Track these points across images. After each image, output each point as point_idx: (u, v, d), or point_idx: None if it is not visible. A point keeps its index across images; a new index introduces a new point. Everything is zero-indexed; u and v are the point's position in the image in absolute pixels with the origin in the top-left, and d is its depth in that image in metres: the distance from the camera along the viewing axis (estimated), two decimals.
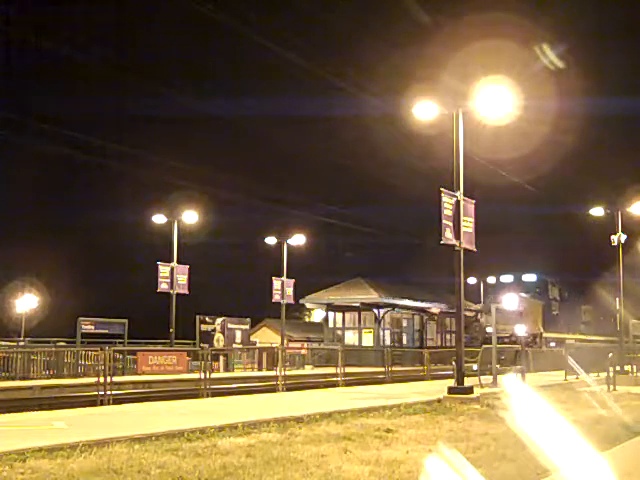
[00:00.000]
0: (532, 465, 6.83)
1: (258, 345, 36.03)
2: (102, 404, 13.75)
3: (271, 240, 33.63)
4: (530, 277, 37.85)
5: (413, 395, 14.71)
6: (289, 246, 33.12)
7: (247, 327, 31.67)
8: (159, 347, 28.25)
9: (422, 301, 38.93)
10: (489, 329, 29.25)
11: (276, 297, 32.59)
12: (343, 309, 40.39)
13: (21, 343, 30.43)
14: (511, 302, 32.85)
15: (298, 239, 33.49)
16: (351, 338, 40.19)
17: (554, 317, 37.39)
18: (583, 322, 43.00)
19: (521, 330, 31.43)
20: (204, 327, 28.98)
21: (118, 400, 14.50)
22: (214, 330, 29.12)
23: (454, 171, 14.75)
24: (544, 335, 36.55)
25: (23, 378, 19.82)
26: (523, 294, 34.75)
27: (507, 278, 38.04)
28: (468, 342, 31.04)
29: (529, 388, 15.74)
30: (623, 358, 24.05)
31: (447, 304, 36.96)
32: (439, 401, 13.76)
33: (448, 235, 14.36)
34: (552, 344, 33.96)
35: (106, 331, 27.52)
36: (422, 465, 6.79)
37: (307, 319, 57.19)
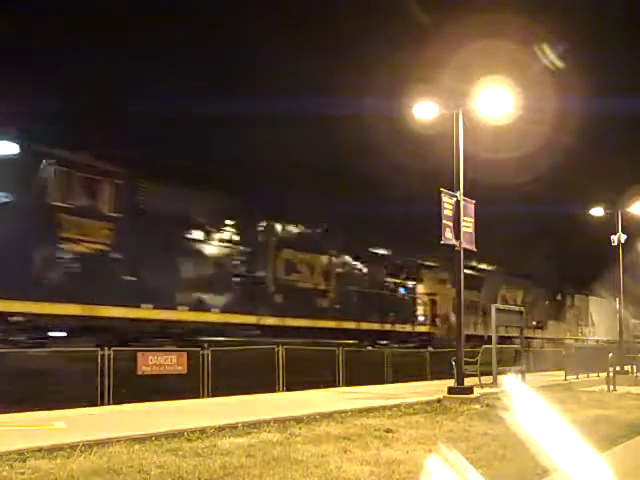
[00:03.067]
0: (532, 465, 6.82)
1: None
2: (102, 404, 13.72)
3: None
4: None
5: (413, 395, 14.71)
6: None
7: None
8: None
9: None
10: None
11: None
12: None
13: None
14: None
15: None
16: None
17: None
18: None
19: None
20: None
21: (118, 400, 14.46)
22: None
23: (454, 171, 14.76)
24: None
25: None
26: None
27: None
28: None
29: (529, 388, 15.73)
30: (623, 358, 24.09)
31: None
32: (439, 401, 13.78)
33: (448, 235, 14.38)
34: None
35: None
36: (422, 465, 6.79)
37: None
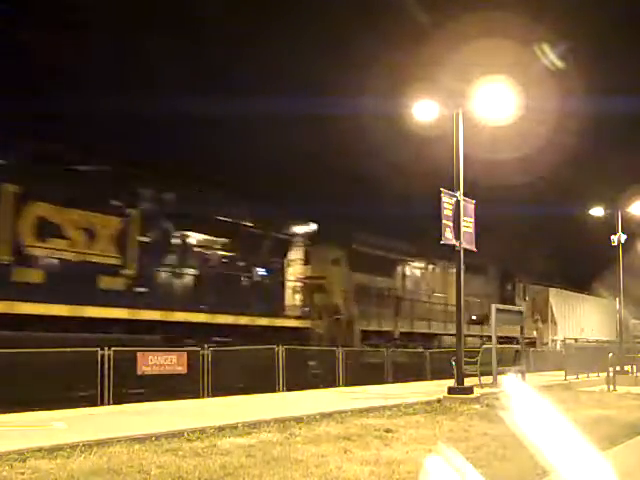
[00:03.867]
0: (532, 465, 6.82)
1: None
2: (102, 404, 13.74)
3: None
4: None
5: (413, 395, 14.71)
6: None
7: None
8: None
9: None
10: None
11: None
12: None
13: None
14: None
15: None
16: None
17: None
18: None
19: None
20: None
21: (118, 400, 14.46)
22: None
23: (454, 171, 14.75)
24: None
25: None
26: None
27: None
28: None
29: (529, 388, 15.73)
30: (623, 358, 24.10)
31: None
32: (439, 401, 13.78)
33: (448, 235, 14.39)
34: None
35: None
36: (422, 465, 6.79)
37: None
